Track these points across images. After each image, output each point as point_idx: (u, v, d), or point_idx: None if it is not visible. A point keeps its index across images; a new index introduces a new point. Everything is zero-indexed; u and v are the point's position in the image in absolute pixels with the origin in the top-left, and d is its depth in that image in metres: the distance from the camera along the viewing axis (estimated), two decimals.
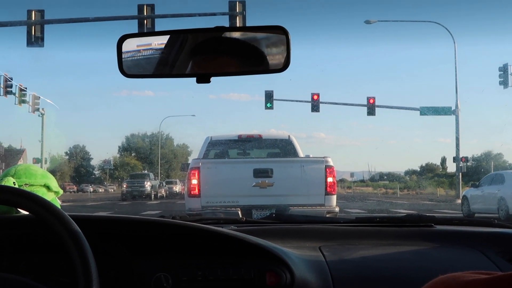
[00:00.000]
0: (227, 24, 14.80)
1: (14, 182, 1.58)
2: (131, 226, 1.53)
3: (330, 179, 8.97)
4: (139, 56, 1.32)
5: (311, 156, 10.98)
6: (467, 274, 0.57)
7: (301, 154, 10.94)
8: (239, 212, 8.13)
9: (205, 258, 1.47)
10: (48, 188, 1.63)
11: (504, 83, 22.81)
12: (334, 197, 9.05)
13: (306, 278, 1.46)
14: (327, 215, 8.05)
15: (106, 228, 1.50)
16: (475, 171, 35.51)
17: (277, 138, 11.86)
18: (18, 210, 1.48)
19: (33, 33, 15.69)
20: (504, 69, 22.74)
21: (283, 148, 11.19)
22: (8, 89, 23.12)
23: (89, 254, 1.14)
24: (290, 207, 8.53)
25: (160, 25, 15.77)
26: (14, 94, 23.73)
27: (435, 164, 55.58)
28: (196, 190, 8.91)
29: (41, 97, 26.82)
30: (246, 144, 11.31)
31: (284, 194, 8.91)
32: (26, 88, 24.65)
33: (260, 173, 9.00)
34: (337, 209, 8.99)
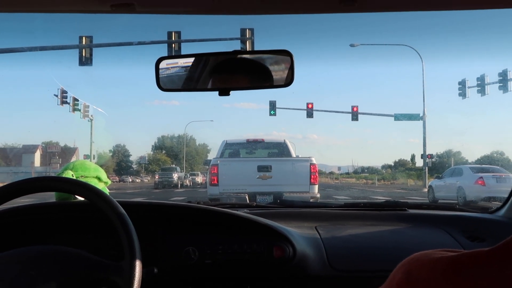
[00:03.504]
0: (239, 47, 14.82)
1: (72, 174, 1.59)
2: (166, 210, 1.54)
3: (313, 173, 9.61)
4: (172, 74, 1.31)
5: (300, 156, 11.73)
6: (437, 252, 0.55)
7: (293, 154, 11.59)
8: (247, 197, 8.28)
9: (224, 235, 1.47)
10: (99, 179, 1.64)
11: (462, 94, 22.66)
12: (316, 186, 9.63)
13: (305, 251, 1.46)
14: (311, 200, 8.84)
15: (146, 211, 1.50)
16: (438, 166, 35.23)
17: (275, 142, 12.69)
18: (75, 197, 1.49)
19: (83, 55, 15.71)
20: (462, 83, 22.60)
21: (280, 149, 11.81)
22: (64, 99, 23.28)
23: (133, 233, 1.15)
24: (284, 193, 9.18)
25: (185, 48, 15.83)
26: (69, 103, 23.91)
27: (406, 160, 55.17)
28: (216, 181, 9.61)
29: (92, 105, 26.97)
30: (252, 146, 12.11)
31: (280, 184, 9.45)
32: (78, 99, 24.87)
33: (262, 168, 9.68)
34: (318, 195, 9.55)
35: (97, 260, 1.14)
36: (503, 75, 20.93)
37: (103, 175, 1.65)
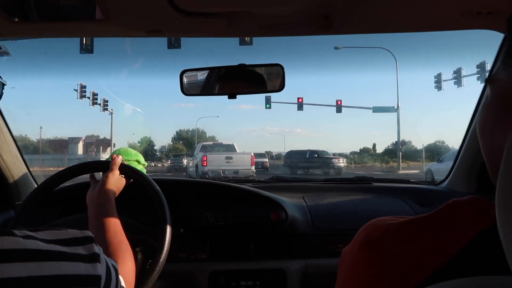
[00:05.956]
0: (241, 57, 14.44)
1: None
2: (190, 185, 1.54)
3: (252, 160, 15.26)
4: (192, 82, 1.32)
5: (245, 151, 17.36)
6: (389, 218, 0.54)
7: (237, 150, 18.38)
8: (221, 171, 14.41)
9: (233, 204, 1.49)
10: (138, 162, 1.62)
11: (438, 87, 20.70)
12: (253, 166, 15.22)
13: (295, 215, 1.49)
14: (251, 173, 14.56)
15: (175, 186, 1.51)
16: (390, 151, 34.29)
17: (228, 144, 19.19)
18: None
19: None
20: (438, 77, 20.68)
21: (231, 147, 18.66)
22: (82, 94, 20.70)
23: (165, 205, 1.16)
24: (239, 170, 14.53)
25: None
26: (89, 98, 21.33)
27: (369, 148, 54.61)
28: (205, 163, 14.85)
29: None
30: (217, 145, 19.12)
31: (236, 165, 14.85)
32: (97, 93, 22.00)
33: (228, 157, 15.13)
34: (254, 170, 15.21)
35: (137, 226, 1.16)
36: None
37: (141, 159, 1.64)
